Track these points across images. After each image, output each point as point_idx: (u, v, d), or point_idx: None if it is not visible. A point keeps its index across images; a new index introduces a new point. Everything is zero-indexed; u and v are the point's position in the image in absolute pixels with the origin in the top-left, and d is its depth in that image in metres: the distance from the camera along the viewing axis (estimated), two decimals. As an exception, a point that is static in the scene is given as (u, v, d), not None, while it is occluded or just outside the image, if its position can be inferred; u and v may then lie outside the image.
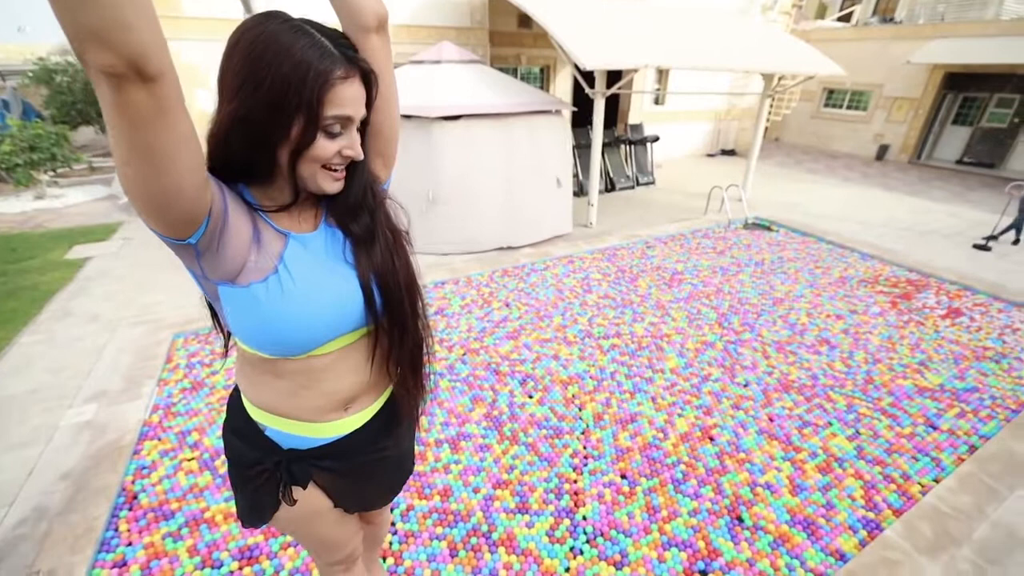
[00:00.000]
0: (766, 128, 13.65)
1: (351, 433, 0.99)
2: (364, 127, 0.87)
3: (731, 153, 12.47)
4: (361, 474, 1.06)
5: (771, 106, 11.41)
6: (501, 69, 8.98)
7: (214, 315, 0.94)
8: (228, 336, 0.99)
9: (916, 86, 11.59)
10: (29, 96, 12.08)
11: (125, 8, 0.51)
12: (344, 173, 0.86)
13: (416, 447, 1.33)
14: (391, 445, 1.08)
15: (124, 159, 0.61)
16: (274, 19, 0.75)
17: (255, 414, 0.96)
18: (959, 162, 11.50)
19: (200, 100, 6.77)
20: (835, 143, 13.38)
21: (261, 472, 0.96)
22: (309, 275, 0.84)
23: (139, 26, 0.52)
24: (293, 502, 0.99)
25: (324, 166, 0.81)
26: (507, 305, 4.47)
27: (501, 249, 5.74)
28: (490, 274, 5.09)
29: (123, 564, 2.11)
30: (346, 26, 0.86)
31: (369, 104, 0.84)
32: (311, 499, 1.02)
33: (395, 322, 0.93)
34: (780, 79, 7.75)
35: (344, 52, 0.78)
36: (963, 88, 11.26)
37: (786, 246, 6.09)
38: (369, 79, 0.82)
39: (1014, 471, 2.66)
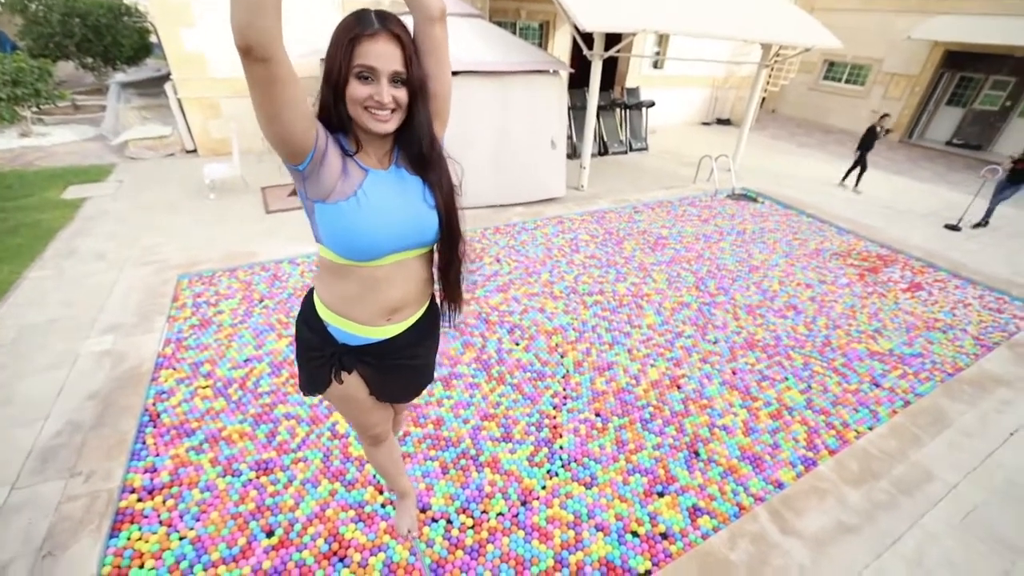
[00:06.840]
0: (763, 99, 13.60)
1: (391, 338, 1.27)
2: (416, 88, 1.06)
3: (726, 123, 12.48)
4: (392, 371, 1.35)
5: (769, 76, 11.36)
6: (499, 23, 8.81)
7: None
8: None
9: (915, 62, 11.59)
10: (3, 26, 11.46)
11: (253, 14, 0.79)
12: (388, 117, 1.05)
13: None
14: (420, 354, 1.39)
15: (255, 109, 0.90)
16: (353, 13, 1.02)
17: (322, 313, 1.24)
18: (949, 143, 11.70)
19: (186, 40, 6.53)
20: (831, 117, 13.43)
21: (319, 357, 1.27)
22: (380, 201, 1.09)
23: (258, 26, 0.80)
24: (341, 382, 1.31)
25: (366, 108, 1.02)
26: (498, 260, 4.69)
27: (493, 207, 5.89)
28: (482, 231, 5.28)
29: (154, 470, 2.39)
30: (417, 20, 1.07)
31: (408, 64, 1.02)
32: (352, 384, 1.33)
33: (450, 244, 1.22)
34: (779, 49, 7.76)
35: (380, 20, 0.99)
36: (961, 67, 11.30)
37: (768, 217, 6.34)
38: (401, 40, 1.01)
39: (939, 423, 3.03)
